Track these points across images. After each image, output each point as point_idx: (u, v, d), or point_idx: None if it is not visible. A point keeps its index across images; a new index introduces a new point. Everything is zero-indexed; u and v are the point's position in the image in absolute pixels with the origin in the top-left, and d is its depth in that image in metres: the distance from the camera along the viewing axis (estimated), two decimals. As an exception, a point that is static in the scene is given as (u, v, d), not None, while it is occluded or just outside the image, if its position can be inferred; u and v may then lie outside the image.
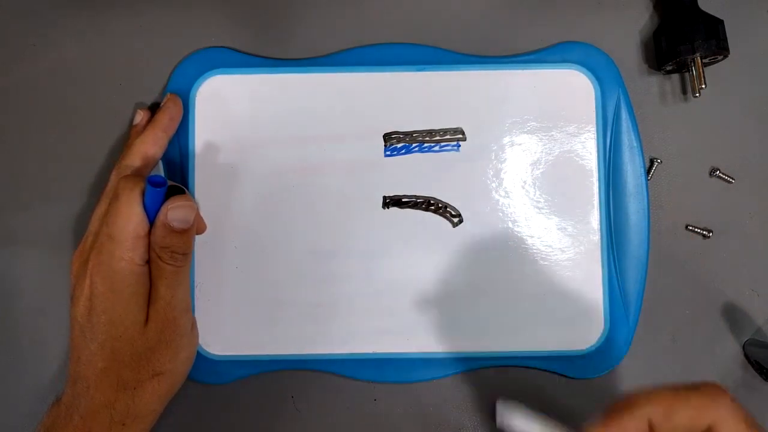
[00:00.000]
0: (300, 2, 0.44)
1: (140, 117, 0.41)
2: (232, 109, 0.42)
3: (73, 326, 0.36)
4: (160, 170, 0.41)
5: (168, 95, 0.41)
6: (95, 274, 0.35)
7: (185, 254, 0.36)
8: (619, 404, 0.27)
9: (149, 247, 0.35)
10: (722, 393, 0.26)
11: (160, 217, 0.35)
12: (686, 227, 0.43)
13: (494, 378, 0.42)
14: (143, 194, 0.35)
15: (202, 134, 0.42)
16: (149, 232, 0.35)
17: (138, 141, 0.39)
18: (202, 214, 0.41)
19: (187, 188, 0.41)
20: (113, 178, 0.38)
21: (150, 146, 0.39)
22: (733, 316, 0.42)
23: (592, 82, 0.42)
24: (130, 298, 0.35)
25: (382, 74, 0.42)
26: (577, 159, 0.42)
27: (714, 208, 0.43)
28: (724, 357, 0.42)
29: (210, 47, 0.43)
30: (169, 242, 0.35)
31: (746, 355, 0.42)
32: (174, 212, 0.35)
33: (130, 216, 0.34)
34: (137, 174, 0.38)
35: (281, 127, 0.42)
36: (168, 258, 0.35)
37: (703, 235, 0.42)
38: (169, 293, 0.36)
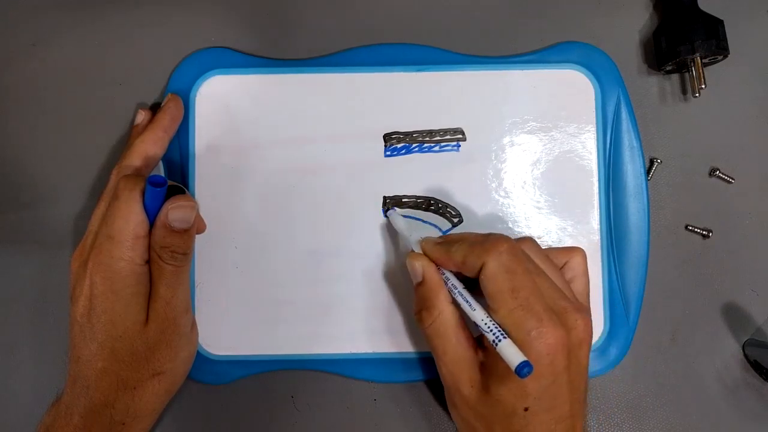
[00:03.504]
0: (300, 2, 0.44)
1: (141, 117, 0.41)
2: (232, 109, 0.42)
3: (72, 326, 0.36)
4: (160, 170, 0.41)
5: (169, 95, 0.41)
6: (95, 274, 0.35)
7: (185, 254, 0.36)
8: (450, 240, 0.36)
9: (149, 247, 0.35)
10: (500, 241, 0.33)
11: (161, 217, 0.35)
12: (686, 227, 0.43)
13: (494, 378, 0.42)
14: (143, 194, 0.35)
15: (202, 134, 0.42)
16: (149, 232, 0.35)
17: (138, 141, 0.39)
18: (202, 214, 0.41)
19: (188, 188, 0.41)
20: (113, 177, 0.38)
21: (150, 146, 0.39)
22: (733, 316, 0.42)
23: (592, 82, 0.42)
24: (130, 298, 0.35)
25: (382, 74, 0.42)
26: (577, 159, 0.42)
27: (714, 208, 0.43)
28: (724, 357, 0.42)
29: (210, 47, 0.43)
30: (169, 242, 0.35)
31: (746, 355, 0.42)
32: (174, 212, 0.35)
33: (130, 216, 0.34)
34: (137, 174, 0.38)
35: (281, 127, 0.42)
36: (168, 258, 0.35)
37: (703, 235, 0.42)
38: (169, 293, 0.36)
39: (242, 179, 0.41)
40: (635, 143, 0.42)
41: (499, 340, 0.31)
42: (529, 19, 0.43)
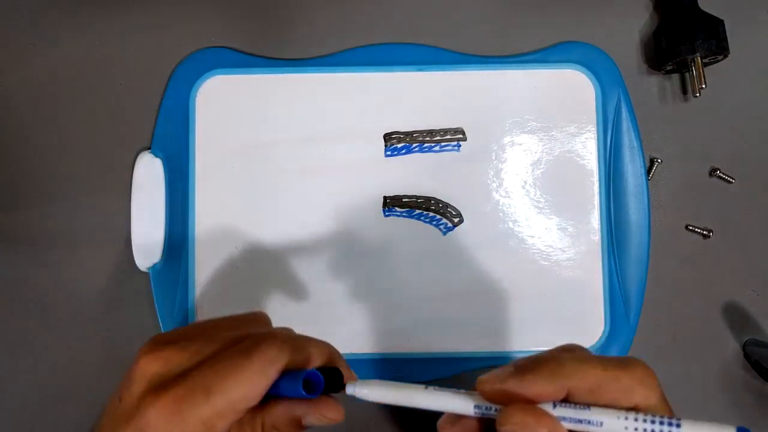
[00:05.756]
0: (300, 2, 0.44)
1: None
2: (232, 109, 0.42)
3: (106, 417, 0.27)
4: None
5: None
6: (160, 419, 0.25)
7: None
8: (538, 362, 0.25)
9: (244, 421, 0.27)
10: (650, 376, 0.25)
11: (296, 410, 0.28)
12: (686, 227, 0.43)
13: (494, 378, 0.42)
14: (279, 372, 0.26)
15: (202, 134, 0.42)
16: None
17: (310, 343, 0.30)
18: (203, 214, 0.41)
19: (188, 188, 0.41)
20: (261, 322, 0.31)
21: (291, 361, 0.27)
22: (733, 316, 0.42)
23: (592, 82, 0.42)
24: None
25: (382, 74, 0.42)
26: (577, 159, 0.42)
27: (714, 208, 0.43)
28: (724, 357, 0.42)
29: (210, 47, 0.43)
30: (284, 431, 0.28)
31: (746, 355, 0.42)
32: (315, 418, 0.28)
33: (249, 391, 0.26)
34: (285, 351, 0.27)
35: (281, 127, 0.42)
36: None
37: (703, 235, 0.42)
38: None
39: (242, 179, 0.41)
40: (635, 143, 0.42)
41: None
42: (529, 19, 0.43)
